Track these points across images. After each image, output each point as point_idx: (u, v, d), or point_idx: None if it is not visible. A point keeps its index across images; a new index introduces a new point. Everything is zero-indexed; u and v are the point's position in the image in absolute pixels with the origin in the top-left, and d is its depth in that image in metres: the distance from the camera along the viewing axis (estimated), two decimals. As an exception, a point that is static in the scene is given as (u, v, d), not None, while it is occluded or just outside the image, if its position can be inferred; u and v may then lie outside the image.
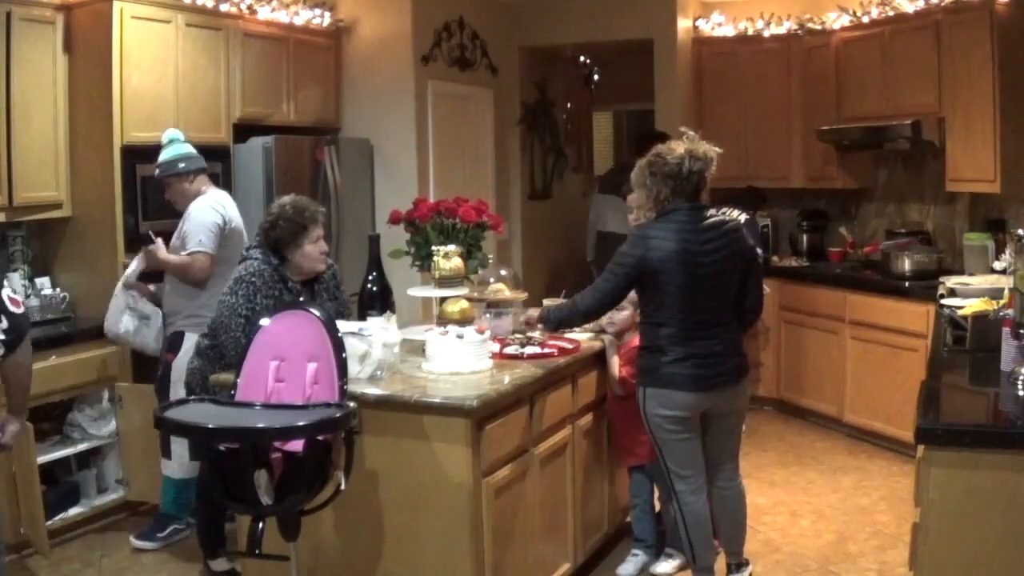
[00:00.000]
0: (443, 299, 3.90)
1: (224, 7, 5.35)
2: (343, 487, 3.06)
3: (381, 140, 6.37)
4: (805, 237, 6.92)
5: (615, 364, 4.00)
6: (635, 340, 3.93)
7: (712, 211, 3.71)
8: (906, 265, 5.75)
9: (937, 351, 3.70)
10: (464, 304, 3.76)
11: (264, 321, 3.24)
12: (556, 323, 3.80)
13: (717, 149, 3.60)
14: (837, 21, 6.41)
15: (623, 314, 4.00)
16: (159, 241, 4.27)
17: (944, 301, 4.39)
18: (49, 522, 4.32)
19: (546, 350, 3.77)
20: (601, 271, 3.70)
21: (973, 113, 5.32)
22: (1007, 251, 4.71)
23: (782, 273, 6.54)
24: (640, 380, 3.67)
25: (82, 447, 4.65)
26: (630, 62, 7.68)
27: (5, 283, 3.07)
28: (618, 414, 4.08)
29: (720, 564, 3.85)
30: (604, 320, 4.01)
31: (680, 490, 3.67)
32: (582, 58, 8.55)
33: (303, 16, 5.98)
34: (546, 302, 4.52)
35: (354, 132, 6.39)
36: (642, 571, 4.09)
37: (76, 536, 4.55)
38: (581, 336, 4.06)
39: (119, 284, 4.43)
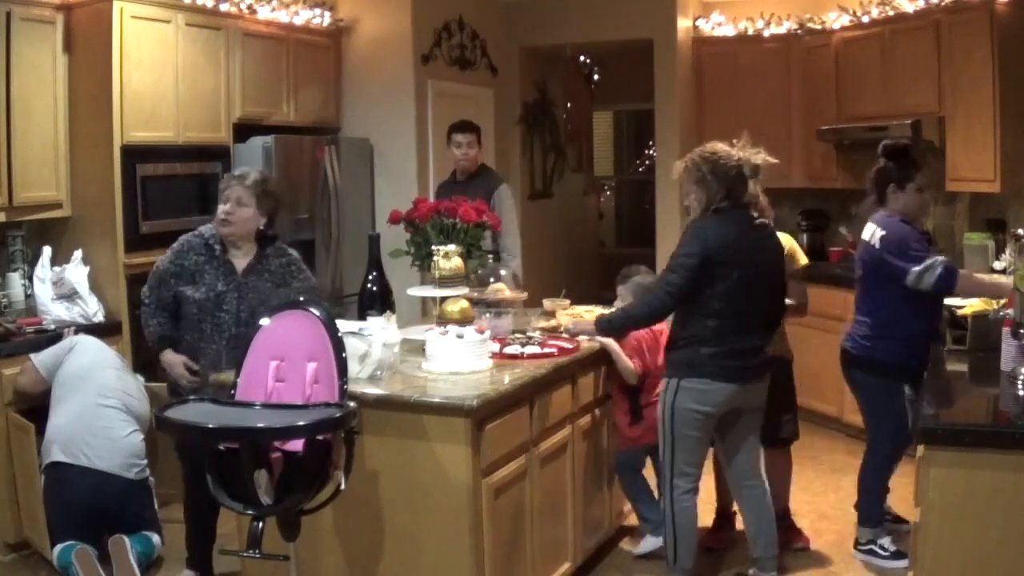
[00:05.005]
0: (443, 299, 3.90)
1: (224, 7, 5.35)
2: (343, 487, 3.06)
3: (381, 140, 6.37)
4: (805, 237, 6.92)
5: (623, 355, 4.04)
6: (637, 333, 4.03)
7: (755, 215, 3.70)
8: (906, 265, 5.74)
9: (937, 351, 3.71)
10: (464, 304, 3.76)
11: (264, 321, 3.23)
12: (620, 326, 3.84)
13: (772, 159, 3.68)
14: (837, 21, 6.41)
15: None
16: None
17: (944, 301, 4.38)
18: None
19: (546, 350, 3.77)
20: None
21: (973, 113, 5.32)
22: (1007, 251, 4.71)
23: (782, 273, 6.53)
24: (672, 372, 3.64)
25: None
26: (630, 62, 7.68)
27: None
28: (622, 401, 4.15)
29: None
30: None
31: (678, 486, 3.67)
32: (582, 58, 8.55)
33: (303, 16, 5.98)
34: (546, 302, 4.53)
35: (354, 132, 6.39)
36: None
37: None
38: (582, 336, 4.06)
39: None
